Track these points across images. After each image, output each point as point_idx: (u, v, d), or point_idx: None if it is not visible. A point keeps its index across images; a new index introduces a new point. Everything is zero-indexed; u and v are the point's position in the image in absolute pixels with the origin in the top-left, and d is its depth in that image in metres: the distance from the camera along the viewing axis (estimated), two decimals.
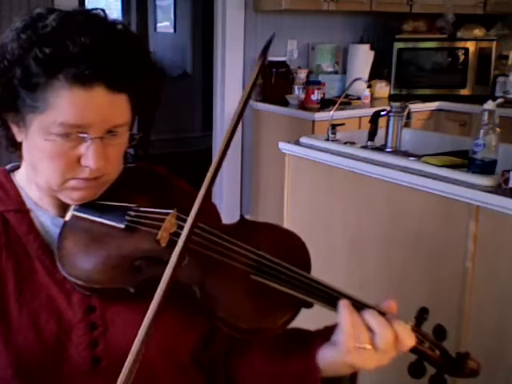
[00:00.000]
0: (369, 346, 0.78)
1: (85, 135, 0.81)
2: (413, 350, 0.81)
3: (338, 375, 0.85)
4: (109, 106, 0.81)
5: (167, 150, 6.04)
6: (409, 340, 0.79)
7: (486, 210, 1.74)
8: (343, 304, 0.79)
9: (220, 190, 3.89)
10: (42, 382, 0.83)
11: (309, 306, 0.81)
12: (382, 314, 0.80)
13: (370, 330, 0.78)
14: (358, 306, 0.80)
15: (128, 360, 0.69)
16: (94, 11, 0.85)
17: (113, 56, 0.80)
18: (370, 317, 0.79)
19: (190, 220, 0.77)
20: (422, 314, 0.83)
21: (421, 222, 1.97)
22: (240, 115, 0.80)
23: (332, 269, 2.20)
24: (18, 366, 0.81)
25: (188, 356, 0.92)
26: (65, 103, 0.79)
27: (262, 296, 0.81)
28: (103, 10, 0.86)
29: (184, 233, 0.76)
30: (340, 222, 2.28)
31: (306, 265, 0.86)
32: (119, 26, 0.85)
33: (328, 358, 0.83)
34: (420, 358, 0.82)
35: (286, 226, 2.54)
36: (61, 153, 0.81)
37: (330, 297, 0.80)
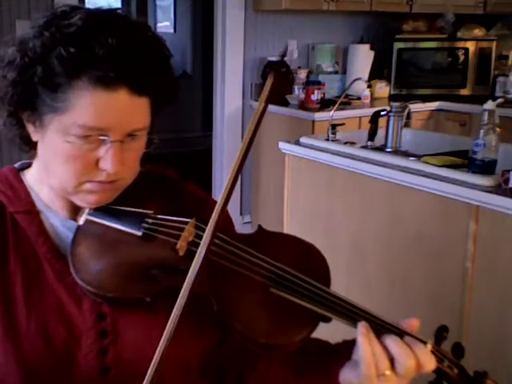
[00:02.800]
0: (389, 372, 0.76)
1: (105, 138, 0.79)
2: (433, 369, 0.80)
3: None
4: (131, 110, 0.79)
5: (167, 150, 6.03)
6: (430, 365, 0.77)
7: (486, 210, 1.74)
8: (362, 332, 0.76)
9: (220, 189, 3.88)
10: None
11: (327, 320, 0.79)
12: (402, 333, 0.78)
13: (390, 356, 0.76)
14: (379, 329, 0.78)
15: (150, 370, 0.68)
16: (117, 11, 0.83)
17: (138, 60, 0.78)
18: (392, 344, 0.76)
19: (208, 231, 0.74)
20: (441, 333, 0.82)
21: (421, 222, 1.97)
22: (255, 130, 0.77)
23: (332, 269, 2.19)
24: (27, 373, 0.79)
25: (196, 364, 0.90)
26: (86, 105, 0.76)
27: (281, 310, 0.79)
28: (127, 13, 0.84)
29: (203, 244, 0.74)
30: (340, 222, 2.27)
31: (326, 279, 0.84)
32: (143, 28, 0.83)
33: (348, 379, 0.81)
34: (439, 376, 0.80)
35: (285, 225, 2.54)
36: (79, 155, 0.79)
37: (349, 312, 0.79)
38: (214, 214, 0.75)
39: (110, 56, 0.76)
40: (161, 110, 0.88)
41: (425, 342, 0.79)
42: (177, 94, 0.89)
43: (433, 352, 0.79)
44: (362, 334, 0.76)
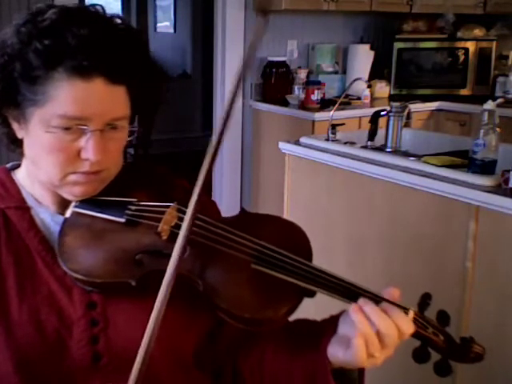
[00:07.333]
0: (378, 354, 0.78)
1: (85, 127, 0.81)
2: (417, 336, 0.80)
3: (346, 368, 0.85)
4: (108, 98, 0.82)
5: (167, 149, 6.04)
6: (409, 330, 0.78)
7: (486, 210, 1.74)
8: (355, 311, 0.78)
9: (220, 190, 3.88)
10: (43, 378, 0.83)
11: (311, 294, 0.80)
12: (379, 300, 0.80)
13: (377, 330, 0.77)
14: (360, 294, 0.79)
15: (139, 354, 0.70)
16: (93, 7, 0.87)
17: (111, 47, 0.81)
18: (377, 317, 0.77)
19: (190, 209, 0.77)
20: (424, 300, 0.83)
21: (421, 222, 1.97)
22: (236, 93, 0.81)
23: (332, 269, 2.19)
24: (19, 360, 0.81)
25: (191, 355, 0.91)
26: (64, 95, 0.79)
27: (264, 285, 0.81)
28: (102, 7, 0.87)
29: (185, 223, 0.76)
30: (340, 222, 2.27)
31: (307, 254, 0.86)
32: (117, 20, 0.86)
33: (338, 358, 0.81)
34: (424, 343, 0.81)
35: None
36: (61, 146, 0.82)
37: (331, 284, 0.80)
38: (194, 193, 0.77)
39: (83, 45, 0.79)
40: (145, 106, 0.91)
41: (407, 309, 0.80)
42: (157, 85, 0.92)
43: (416, 319, 0.80)
44: (354, 311, 0.77)
